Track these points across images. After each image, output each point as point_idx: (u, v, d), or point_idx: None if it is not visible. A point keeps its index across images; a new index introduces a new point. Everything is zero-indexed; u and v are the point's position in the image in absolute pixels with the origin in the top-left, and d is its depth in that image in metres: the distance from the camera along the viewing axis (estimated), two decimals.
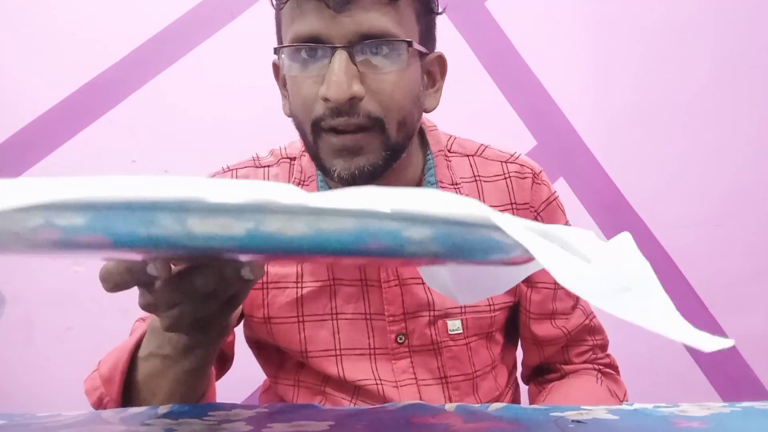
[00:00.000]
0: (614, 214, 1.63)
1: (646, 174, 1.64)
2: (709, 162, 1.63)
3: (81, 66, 1.59)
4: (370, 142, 0.67)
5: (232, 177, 0.81)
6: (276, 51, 0.70)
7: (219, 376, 0.79)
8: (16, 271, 1.58)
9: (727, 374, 1.61)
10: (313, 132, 0.68)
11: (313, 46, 0.65)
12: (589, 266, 0.34)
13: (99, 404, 0.64)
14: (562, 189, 1.62)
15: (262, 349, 0.85)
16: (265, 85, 1.58)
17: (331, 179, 0.70)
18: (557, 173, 1.62)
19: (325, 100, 0.65)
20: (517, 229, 0.32)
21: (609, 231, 1.63)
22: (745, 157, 1.63)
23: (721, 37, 1.64)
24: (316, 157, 0.70)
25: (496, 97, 1.63)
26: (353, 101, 0.65)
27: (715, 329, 1.60)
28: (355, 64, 0.65)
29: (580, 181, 1.63)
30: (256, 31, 1.61)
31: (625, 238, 0.38)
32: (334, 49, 0.64)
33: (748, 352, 1.61)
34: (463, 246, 0.32)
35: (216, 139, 1.58)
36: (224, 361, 0.81)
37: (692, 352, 1.60)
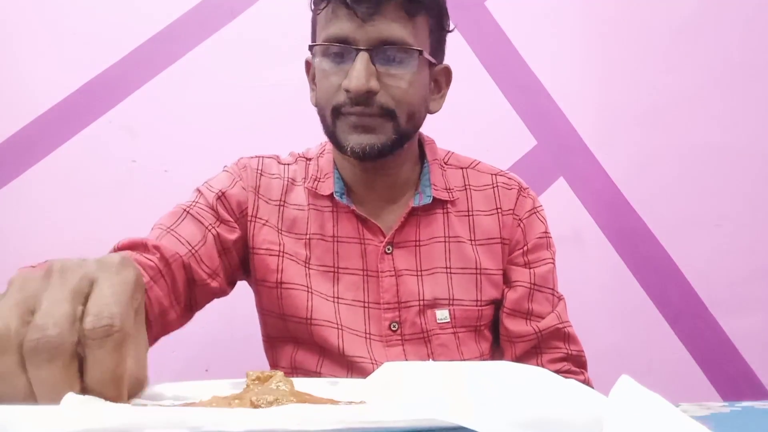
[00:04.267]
0: (614, 214, 1.63)
1: (646, 174, 1.64)
2: (709, 162, 1.63)
3: (81, 66, 1.59)
4: (382, 124, 0.79)
5: (258, 162, 0.91)
6: (310, 48, 0.83)
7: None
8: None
9: (727, 374, 1.61)
10: (333, 115, 0.80)
11: (341, 46, 0.78)
12: None
13: None
14: (562, 189, 1.62)
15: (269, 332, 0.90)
16: (266, 84, 1.60)
17: (345, 154, 0.81)
18: (557, 173, 1.62)
19: (347, 91, 0.77)
20: (495, 428, 0.31)
21: (609, 231, 1.63)
22: (745, 157, 1.63)
23: (721, 37, 1.64)
24: (333, 136, 0.82)
25: (496, 97, 1.63)
26: (369, 94, 0.77)
27: (715, 329, 1.60)
28: (374, 65, 0.77)
29: (580, 181, 1.63)
30: (256, 31, 1.62)
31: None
32: (358, 50, 0.77)
33: (748, 352, 1.61)
34: None
35: (216, 139, 1.58)
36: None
37: (692, 352, 1.60)
